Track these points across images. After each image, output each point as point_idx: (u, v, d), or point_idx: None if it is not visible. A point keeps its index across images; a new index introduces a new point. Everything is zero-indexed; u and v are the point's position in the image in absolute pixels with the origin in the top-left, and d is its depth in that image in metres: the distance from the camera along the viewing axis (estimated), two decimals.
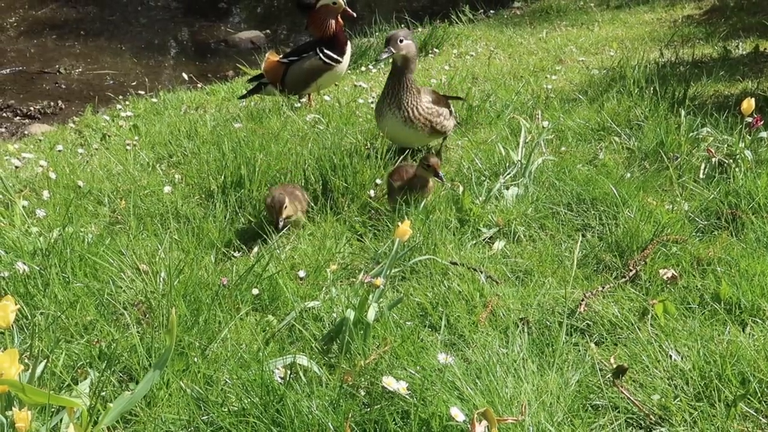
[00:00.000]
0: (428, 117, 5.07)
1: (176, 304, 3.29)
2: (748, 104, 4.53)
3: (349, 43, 7.02)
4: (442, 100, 5.29)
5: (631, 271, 3.59)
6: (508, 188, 4.52)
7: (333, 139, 5.34)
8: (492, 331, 3.13)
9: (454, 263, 3.74)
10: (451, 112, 5.34)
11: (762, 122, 4.69)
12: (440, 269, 3.72)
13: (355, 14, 6.97)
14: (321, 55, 6.85)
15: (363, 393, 2.71)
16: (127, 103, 8.72)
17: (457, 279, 3.59)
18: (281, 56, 7.10)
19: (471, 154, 5.16)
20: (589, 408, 2.73)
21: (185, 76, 10.53)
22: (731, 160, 4.55)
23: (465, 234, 4.10)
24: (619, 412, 2.70)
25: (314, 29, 6.97)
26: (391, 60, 5.03)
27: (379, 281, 3.07)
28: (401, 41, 4.88)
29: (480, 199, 4.41)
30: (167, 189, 4.83)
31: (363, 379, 2.79)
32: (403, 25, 10.43)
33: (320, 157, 4.85)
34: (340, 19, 6.88)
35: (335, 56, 6.84)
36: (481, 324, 3.20)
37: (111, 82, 11.31)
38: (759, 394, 2.64)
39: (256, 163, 4.78)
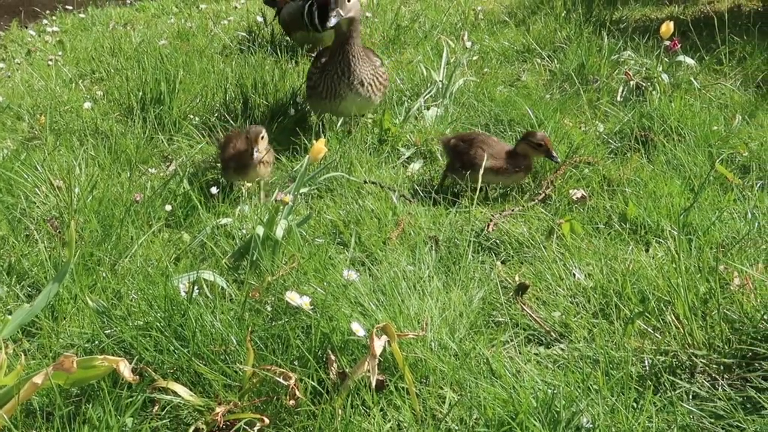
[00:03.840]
0: (385, 84, 4.36)
1: (88, 219, 3.29)
2: (667, 28, 4.57)
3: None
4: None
5: (542, 192, 3.64)
6: (428, 108, 4.54)
7: (257, 57, 5.29)
8: (401, 249, 3.16)
9: (366, 182, 3.76)
10: None
11: (679, 46, 4.73)
12: (355, 188, 3.74)
13: None
14: None
15: (269, 309, 2.74)
16: (54, 18, 8.55)
17: (371, 197, 3.61)
18: None
19: (393, 75, 5.15)
20: (492, 324, 2.78)
21: None
22: (648, 84, 4.61)
23: (383, 154, 4.12)
24: (520, 328, 2.75)
25: None
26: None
27: (288, 198, 3.08)
28: (349, 0, 4.06)
29: (399, 118, 4.41)
30: (87, 105, 4.78)
31: (270, 295, 2.81)
32: None
33: (242, 75, 4.81)
34: None
35: None
36: (392, 242, 3.23)
37: None
38: (657, 312, 2.70)
39: (176, 80, 4.74)
